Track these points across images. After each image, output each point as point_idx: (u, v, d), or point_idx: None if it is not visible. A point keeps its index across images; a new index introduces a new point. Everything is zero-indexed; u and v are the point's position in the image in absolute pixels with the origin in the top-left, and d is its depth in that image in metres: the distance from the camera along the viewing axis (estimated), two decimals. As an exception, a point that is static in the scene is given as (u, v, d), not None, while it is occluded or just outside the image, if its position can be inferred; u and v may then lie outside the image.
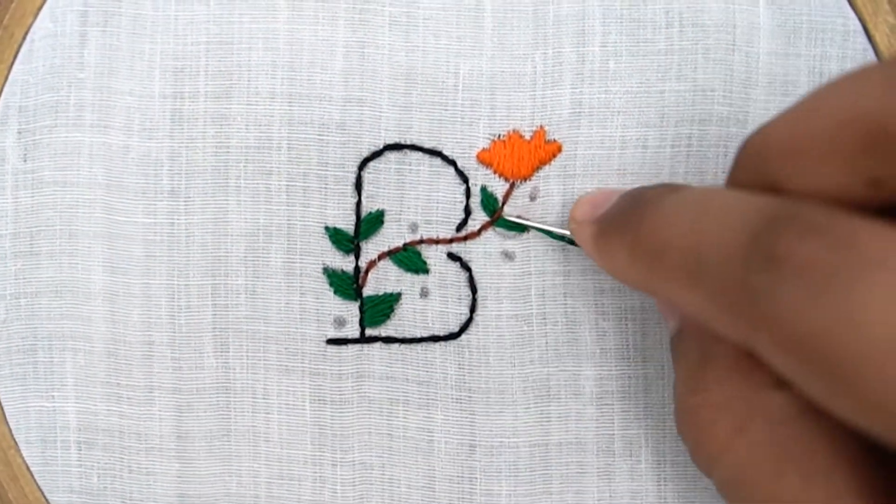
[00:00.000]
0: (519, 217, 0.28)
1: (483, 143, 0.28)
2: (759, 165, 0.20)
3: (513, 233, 0.28)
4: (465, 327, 0.28)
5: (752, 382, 0.20)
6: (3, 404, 0.29)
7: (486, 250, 0.28)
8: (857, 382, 0.15)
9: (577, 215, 0.26)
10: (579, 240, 0.26)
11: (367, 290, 0.29)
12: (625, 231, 0.22)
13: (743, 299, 0.17)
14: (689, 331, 0.23)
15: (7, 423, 0.29)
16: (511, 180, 0.28)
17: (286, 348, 0.29)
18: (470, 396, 0.29)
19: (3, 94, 0.28)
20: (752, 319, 0.17)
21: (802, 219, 0.17)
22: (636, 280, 0.22)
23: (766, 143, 0.20)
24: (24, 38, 0.28)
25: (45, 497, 0.29)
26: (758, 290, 0.17)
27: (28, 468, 0.29)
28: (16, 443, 0.29)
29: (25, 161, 0.28)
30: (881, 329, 0.15)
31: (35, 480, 0.29)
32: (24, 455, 0.29)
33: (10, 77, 0.28)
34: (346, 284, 0.28)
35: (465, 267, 0.28)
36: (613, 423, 0.29)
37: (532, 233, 0.28)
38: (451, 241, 0.28)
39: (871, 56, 0.28)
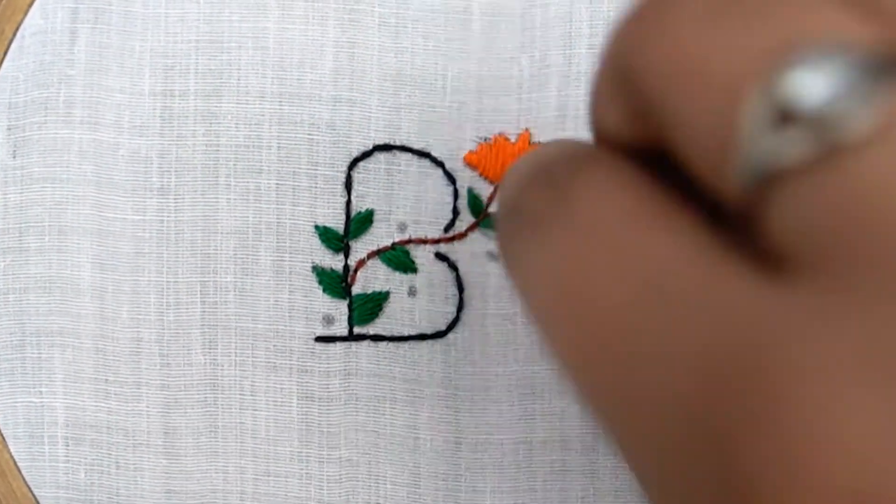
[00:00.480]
0: (506, 217, 0.28)
1: (470, 146, 0.28)
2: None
3: (499, 233, 0.29)
4: (451, 326, 0.29)
5: None
6: (-9, 399, 0.29)
7: (472, 251, 0.29)
8: None
9: None
10: None
11: (356, 289, 0.29)
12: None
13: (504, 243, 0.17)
14: None
15: (-6, 418, 0.29)
16: (496, 183, 0.28)
17: (274, 345, 0.29)
18: (456, 394, 0.29)
19: (-7, 90, 0.28)
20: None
21: (550, 171, 0.16)
22: None
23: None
24: (14, 35, 0.28)
25: (31, 492, 0.29)
26: (507, 236, 0.17)
27: (15, 463, 0.29)
28: (3, 438, 0.29)
29: (15, 157, 0.28)
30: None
31: (22, 475, 0.29)
32: (12, 450, 0.29)
33: (0, 73, 0.28)
34: (335, 283, 0.29)
35: (453, 267, 0.29)
36: (597, 421, 0.29)
37: (518, 233, 0.29)
38: (438, 241, 0.29)
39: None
